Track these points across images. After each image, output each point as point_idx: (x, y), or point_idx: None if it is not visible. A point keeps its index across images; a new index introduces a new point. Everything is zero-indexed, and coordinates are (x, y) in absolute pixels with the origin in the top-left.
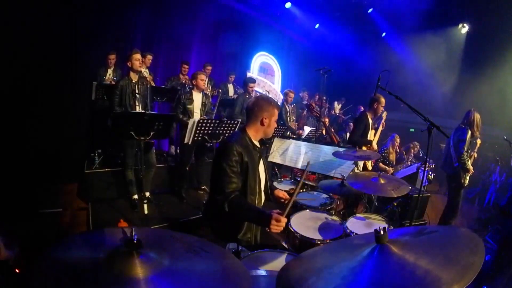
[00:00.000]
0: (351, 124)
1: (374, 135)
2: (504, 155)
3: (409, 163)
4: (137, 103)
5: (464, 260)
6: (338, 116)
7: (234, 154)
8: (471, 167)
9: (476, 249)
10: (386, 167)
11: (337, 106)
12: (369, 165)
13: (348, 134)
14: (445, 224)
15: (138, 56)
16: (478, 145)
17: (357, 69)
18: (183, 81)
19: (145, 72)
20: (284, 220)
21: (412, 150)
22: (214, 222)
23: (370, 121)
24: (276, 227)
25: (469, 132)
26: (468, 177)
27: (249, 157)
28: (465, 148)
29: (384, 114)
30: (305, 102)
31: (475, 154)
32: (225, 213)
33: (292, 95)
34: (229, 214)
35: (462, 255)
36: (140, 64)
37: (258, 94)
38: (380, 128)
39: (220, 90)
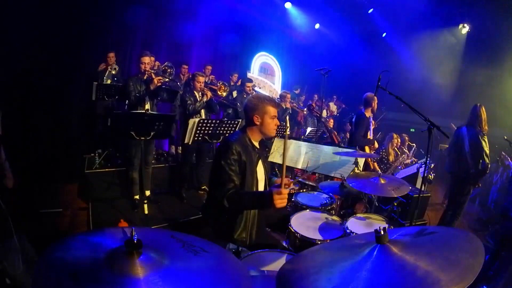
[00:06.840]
0: (348, 124)
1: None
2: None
3: (399, 152)
4: (146, 102)
5: (464, 262)
6: (334, 116)
7: (233, 153)
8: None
9: (476, 251)
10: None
11: (333, 106)
12: (372, 163)
13: (347, 134)
14: (446, 224)
15: (143, 59)
16: None
17: (357, 69)
18: (182, 79)
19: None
20: (285, 191)
21: (396, 141)
22: (211, 220)
23: (371, 120)
24: (280, 201)
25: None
26: None
27: (248, 157)
28: (488, 153)
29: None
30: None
31: None
32: (225, 209)
33: (288, 95)
34: (229, 209)
35: (462, 257)
36: (146, 66)
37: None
38: (372, 127)
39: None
